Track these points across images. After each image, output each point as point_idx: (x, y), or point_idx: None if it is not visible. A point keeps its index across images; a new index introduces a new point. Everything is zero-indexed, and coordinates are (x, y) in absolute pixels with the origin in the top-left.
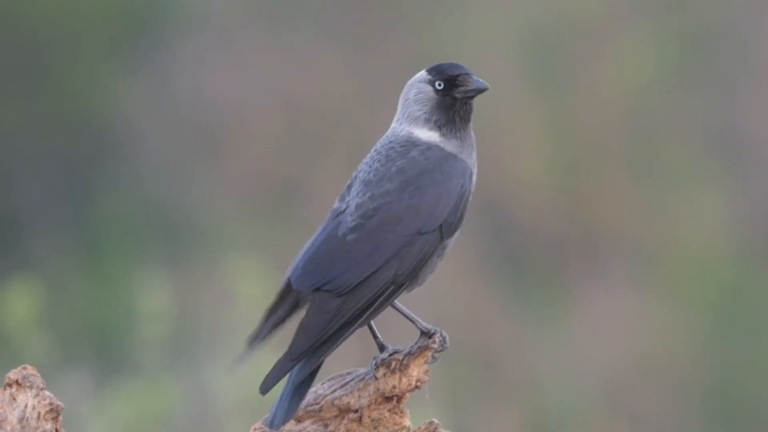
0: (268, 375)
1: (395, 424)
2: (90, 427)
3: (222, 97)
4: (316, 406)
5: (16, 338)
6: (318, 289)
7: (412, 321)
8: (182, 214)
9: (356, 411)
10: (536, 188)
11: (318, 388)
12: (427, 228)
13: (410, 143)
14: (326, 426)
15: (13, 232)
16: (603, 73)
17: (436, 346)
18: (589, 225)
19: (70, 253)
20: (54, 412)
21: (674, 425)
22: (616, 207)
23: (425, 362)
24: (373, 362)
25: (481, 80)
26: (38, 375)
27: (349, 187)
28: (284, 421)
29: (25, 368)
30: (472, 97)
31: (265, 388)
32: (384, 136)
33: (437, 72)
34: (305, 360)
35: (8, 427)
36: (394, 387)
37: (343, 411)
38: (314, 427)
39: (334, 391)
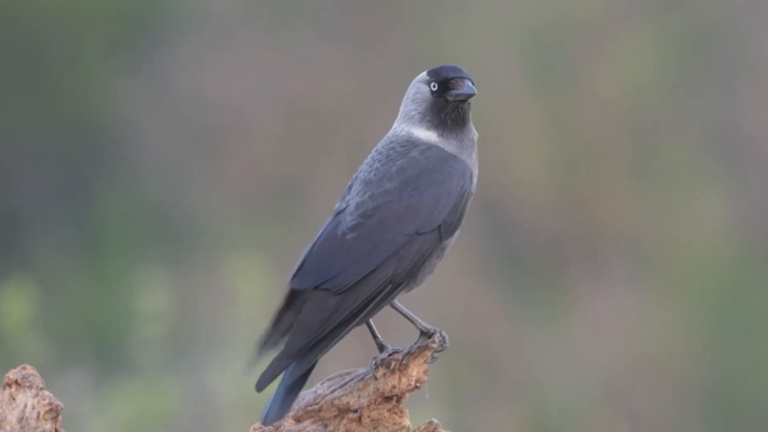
0: (263, 372)
1: (395, 424)
2: (89, 427)
3: (222, 97)
4: (316, 406)
5: (15, 338)
6: (317, 288)
7: (412, 321)
8: (182, 214)
9: (356, 411)
10: (536, 188)
11: (317, 388)
12: (426, 228)
13: (410, 143)
14: (326, 426)
15: (12, 232)
16: (603, 73)
17: (435, 345)
18: (589, 225)
19: (70, 253)
20: (53, 412)
21: (674, 425)
22: (616, 207)
23: (425, 362)
24: (373, 362)
25: (470, 85)
26: (38, 375)
27: (350, 187)
28: (277, 418)
29: (24, 368)
30: (462, 101)
31: (261, 385)
32: (385, 137)
33: (434, 73)
34: (300, 358)
35: (8, 427)
36: (393, 387)
37: (343, 411)
38: (314, 427)
39: (334, 391)
